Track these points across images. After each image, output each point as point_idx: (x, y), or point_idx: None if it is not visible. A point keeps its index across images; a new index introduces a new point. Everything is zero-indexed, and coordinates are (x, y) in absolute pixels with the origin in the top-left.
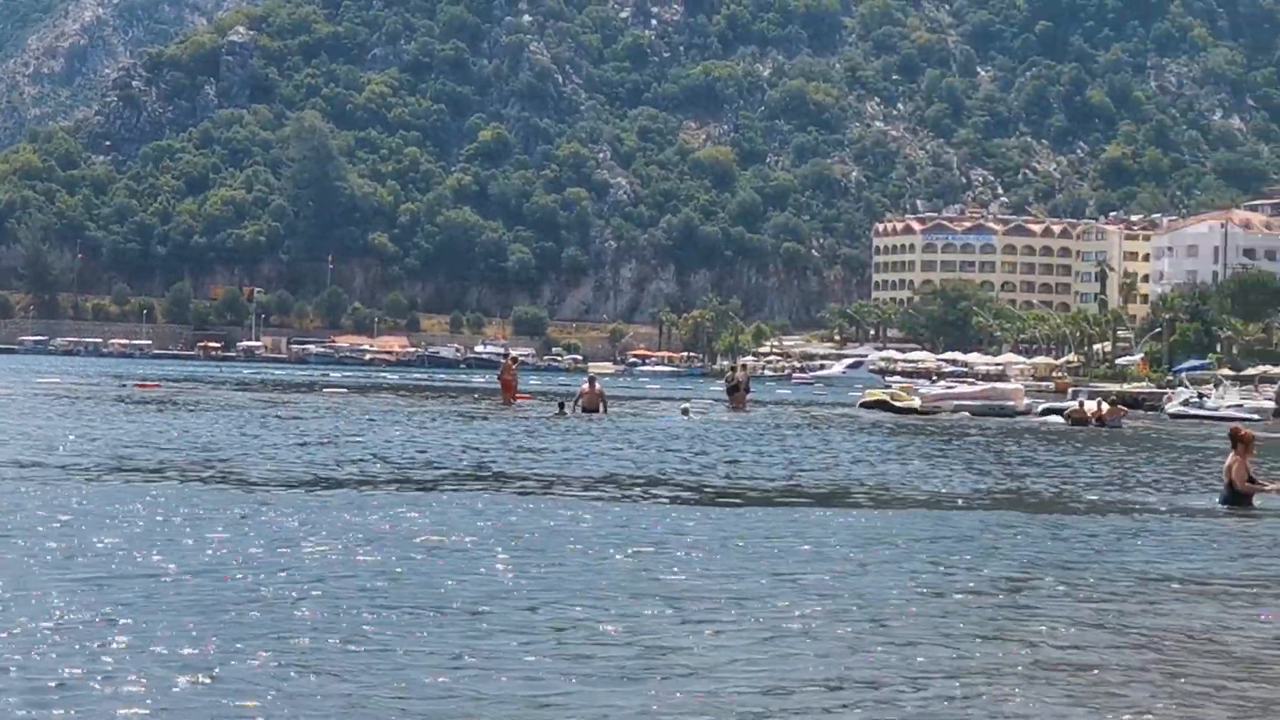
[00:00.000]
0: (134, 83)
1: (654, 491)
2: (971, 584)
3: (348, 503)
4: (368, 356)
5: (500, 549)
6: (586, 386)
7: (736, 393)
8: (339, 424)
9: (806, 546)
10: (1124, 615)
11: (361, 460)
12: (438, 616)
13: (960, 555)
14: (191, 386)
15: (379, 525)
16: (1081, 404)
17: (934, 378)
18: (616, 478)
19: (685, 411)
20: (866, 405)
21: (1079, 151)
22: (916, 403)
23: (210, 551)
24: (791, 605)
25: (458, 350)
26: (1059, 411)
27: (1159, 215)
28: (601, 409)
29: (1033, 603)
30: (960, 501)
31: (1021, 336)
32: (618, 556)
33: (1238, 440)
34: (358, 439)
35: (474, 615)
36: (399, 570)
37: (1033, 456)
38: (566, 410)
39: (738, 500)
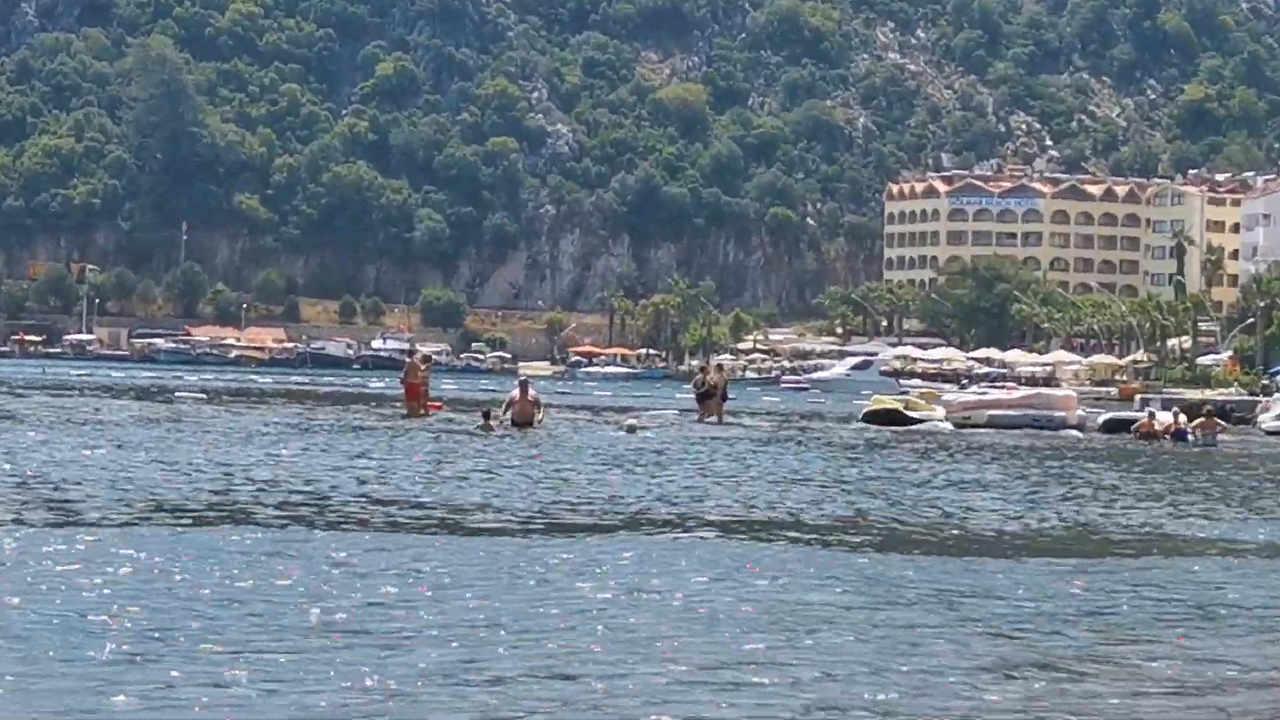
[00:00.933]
0: None
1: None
2: (1051, 656)
3: (192, 547)
4: (233, 354)
5: (400, 614)
6: (516, 393)
7: (709, 399)
8: (192, 443)
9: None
10: None
11: (218, 491)
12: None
13: (1029, 619)
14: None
15: (206, 576)
16: (1152, 415)
17: (963, 382)
18: (554, 513)
19: (632, 429)
20: (873, 417)
21: (1149, 92)
22: (939, 414)
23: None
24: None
25: (349, 347)
26: (1125, 425)
27: (1252, 174)
28: (536, 421)
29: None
30: (1007, 542)
31: (1075, 329)
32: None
33: None
34: (218, 462)
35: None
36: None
37: (1099, 481)
38: (493, 423)
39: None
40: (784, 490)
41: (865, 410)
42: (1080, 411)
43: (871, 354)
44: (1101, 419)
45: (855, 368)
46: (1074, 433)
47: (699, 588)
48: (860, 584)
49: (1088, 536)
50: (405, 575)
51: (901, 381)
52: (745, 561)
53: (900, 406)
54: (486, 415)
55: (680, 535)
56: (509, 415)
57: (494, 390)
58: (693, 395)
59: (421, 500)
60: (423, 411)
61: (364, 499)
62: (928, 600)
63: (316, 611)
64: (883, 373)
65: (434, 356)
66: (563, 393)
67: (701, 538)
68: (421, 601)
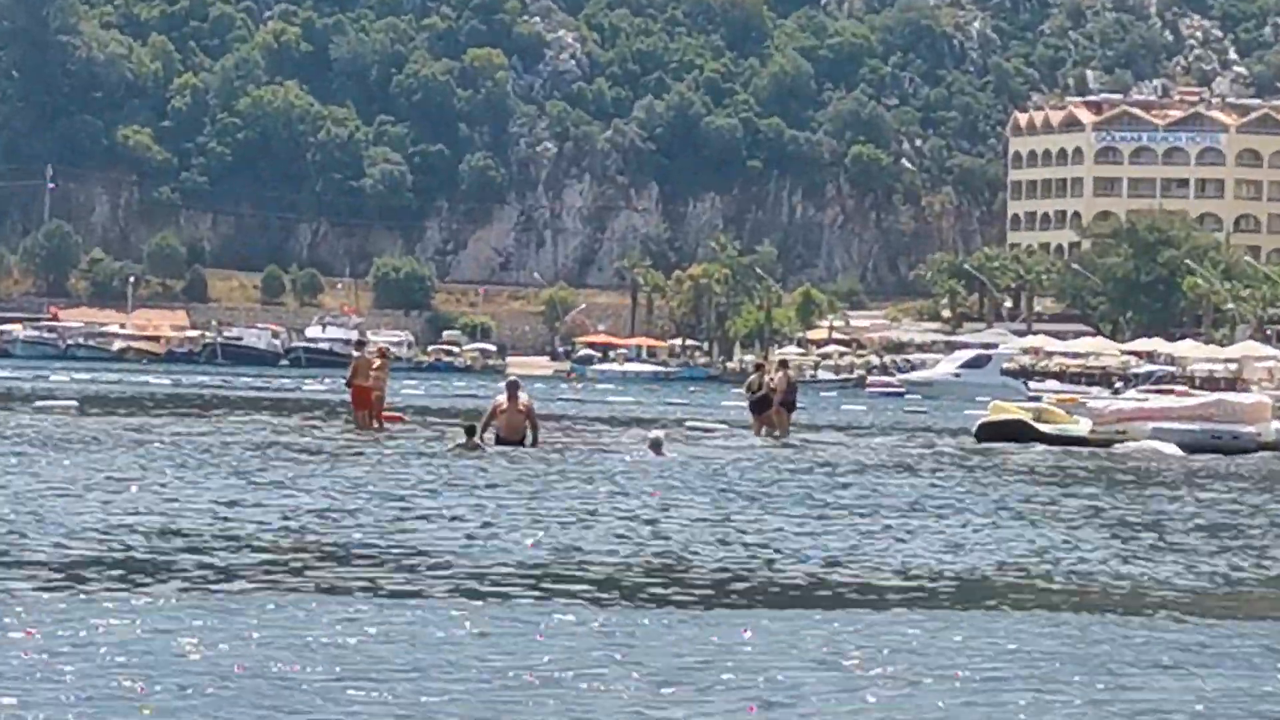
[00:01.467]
0: None
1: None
2: None
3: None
4: (118, 346)
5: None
6: (503, 399)
7: (767, 408)
8: (57, 470)
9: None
10: None
11: (95, 538)
12: None
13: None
14: None
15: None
16: None
17: (1116, 384)
18: (556, 571)
19: (657, 446)
20: (990, 430)
21: None
22: (1082, 427)
23: None
24: None
25: (275, 336)
26: None
27: None
28: (529, 438)
29: None
30: (1203, 608)
31: (1270, 312)
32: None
33: None
34: (94, 500)
35: None
36: None
37: None
38: (480, 439)
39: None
40: (891, 541)
41: (981, 422)
42: (1276, 424)
43: (990, 346)
44: None
45: (968, 365)
46: (1268, 454)
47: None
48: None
49: None
50: (350, 652)
51: (1031, 384)
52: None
53: (1029, 417)
54: (470, 432)
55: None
56: (494, 430)
57: (475, 397)
58: (746, 402)
59: (382, 551)
60: (376, 425)
61: (301, 551)
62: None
63: None
64: (1005, 371)
65: (391, 350)
66: (567, 399)
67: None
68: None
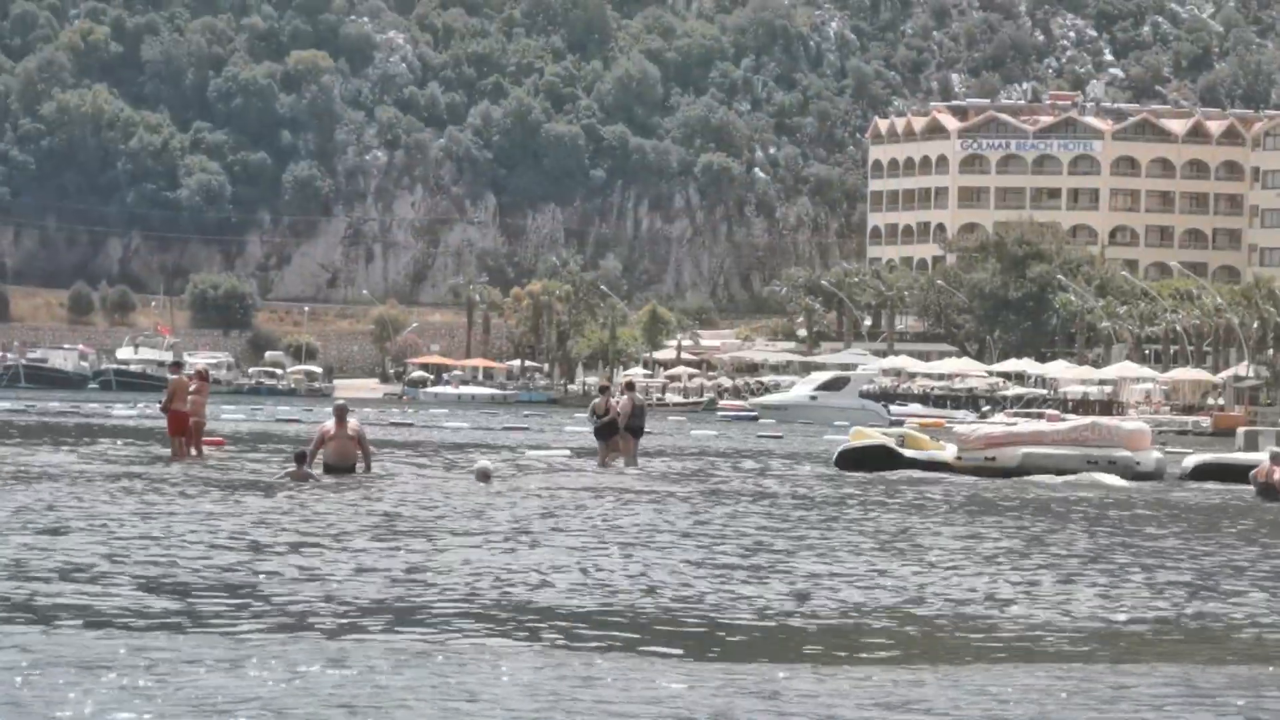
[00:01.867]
0: None
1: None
2: None
3: None
4: None
5: None
6: (331, 425)
7: (613, 434)
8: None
9: None
10: None
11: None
12: None
13: None
14: None
15: None
16: (1277, 459)
17: (983, 406)
18: (414, 609)
19: (485, 476)
20: (850, 458)
21: None
22: (948, 453)
23: None
24: None
25: (83, 358)
26: (1227, 472)
27: None
28: (360, 464)
29: None
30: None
31: (1149, 330)
32: None
33: None
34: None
35: None
36: None
37: (1207, 559)
38: (310, 468)
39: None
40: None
41: (841, 448)
42: (1156, 452)
43: (848, 367)
44: (1189, 462)
45: (824, 387)
46: (1147, 483)
47: None
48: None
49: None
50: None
51: (893, 407)
52: None
53: (892, 443)
54: (300, 459)
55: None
56: (321, 457)
57: (299, 422)
58: (590, 428)
59: (209, 590)
60: (195, 452)
61: (106, 591)
62: None
63: None
64: (864, 393)
65: (209, 371)
66: (399, 424)
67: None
68: None
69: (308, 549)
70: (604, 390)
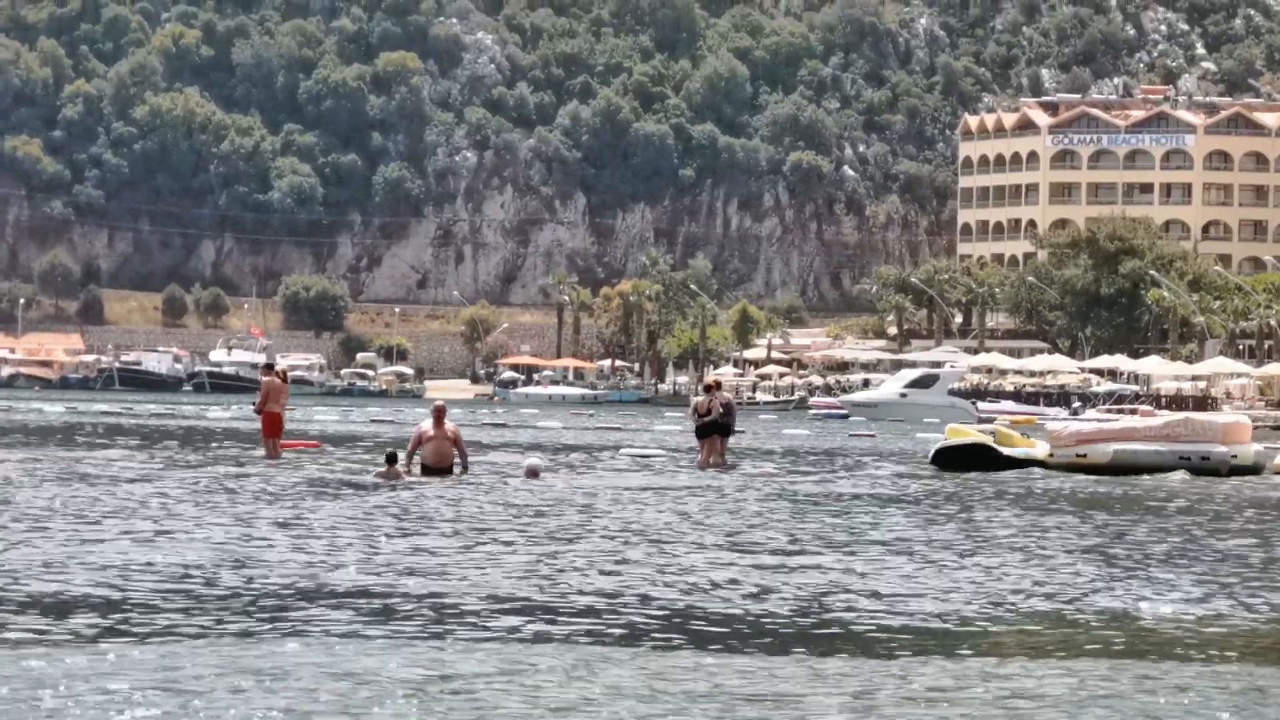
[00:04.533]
0: None
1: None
2: None
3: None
4: (7, 372)
5: None
6: (429, 426)
7: (715, 433)
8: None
9: None
10: None
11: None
12: None
13: None
14: None
15: None
16: None
17: (1075, 404)
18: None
19: (534, 473)
20: (947, 456)
21: None
22: (1041, 450)
23: None
24: None
25: (177, 360)
26: None
27: None
28: (457, 466)
29: None
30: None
31: (1242, 325)
32: None
33: None
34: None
35: None
36: None
37: None
38: (401, 468)
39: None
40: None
41: (938, 447)
42: (1256, 446)
43: (937, 364)
44: None
45: (914, 384)
46: (1244, 479)
47: None
48: None
49: None
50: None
51: (982, 404)
52: None
53: (988, 439)
54: (391, 459)
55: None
56: (418, 458)
57: (392, 423)
58: (691, 426)
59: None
60: (277, 451)
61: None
62: None
63: None
64: (953, 391)
65: (301, 372)
66: (489, 424)
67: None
68: None
69: (395, 554)
70: (710, 389)
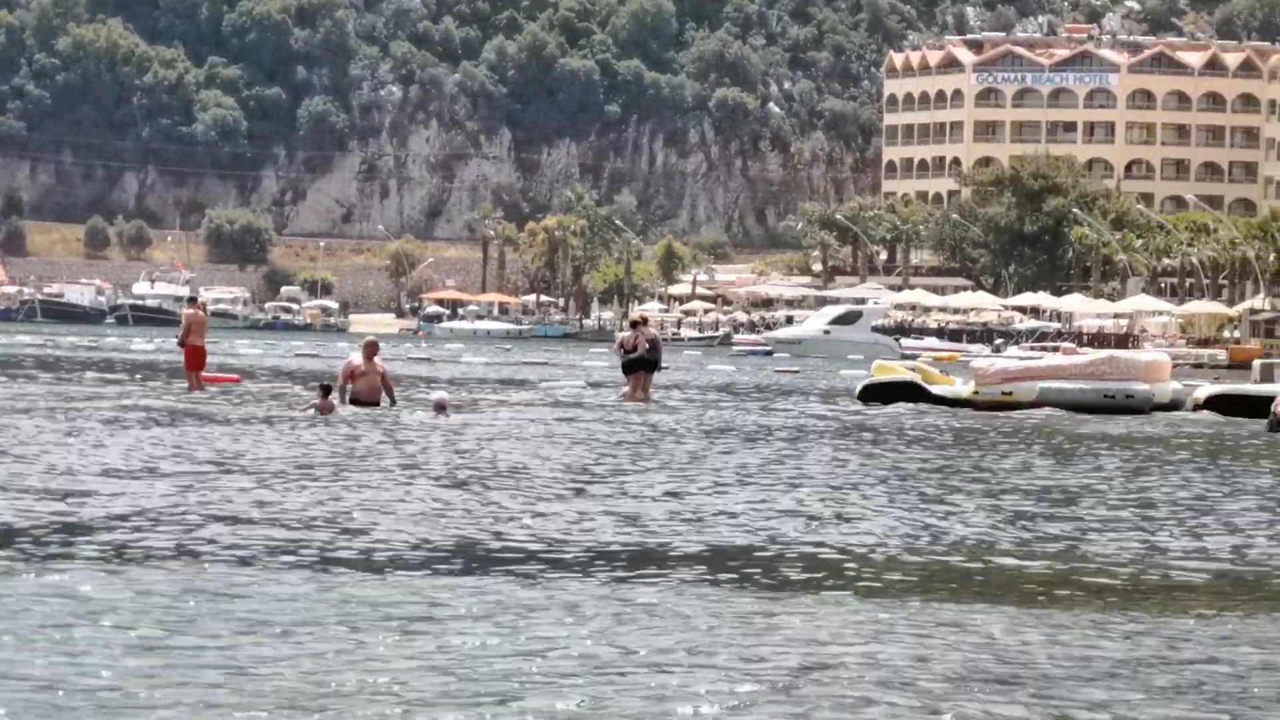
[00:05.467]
0: None
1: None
2: None
3: None
4: None
5: None
6: (359, 359)
7: (639, 369)
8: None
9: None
10: None
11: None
12: None
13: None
14: None
15: None
16: None
17: (997, 342)
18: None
19: (441, 407)
20: (873, 392)
21: None
22: (965, 388)
23: None
24: None
25: (100, 293)
26: (1242, 404)
27: None
28: (386, 400)
29: None
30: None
31: (1164, 263)
32: None
33: None
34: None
35: None
36: None
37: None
38: (335, 400)
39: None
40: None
41: (865, 383)
42: (1175, 384)
43: (861, 301)
44: (1202, 392)
45: (837, 321)
46: (1166, 414)
47: None
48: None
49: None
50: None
51: (906, 341)
52: None
53: (916, 375)
54: (325, 391)
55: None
56: (349, 392)
57: (317, 358)
58: (616, 362)
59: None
60: (199, 384)
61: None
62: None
63: None
64: (876, 328)
65: (225, 305)
66: (415, 359)
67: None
68: None
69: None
70: (636, 325)
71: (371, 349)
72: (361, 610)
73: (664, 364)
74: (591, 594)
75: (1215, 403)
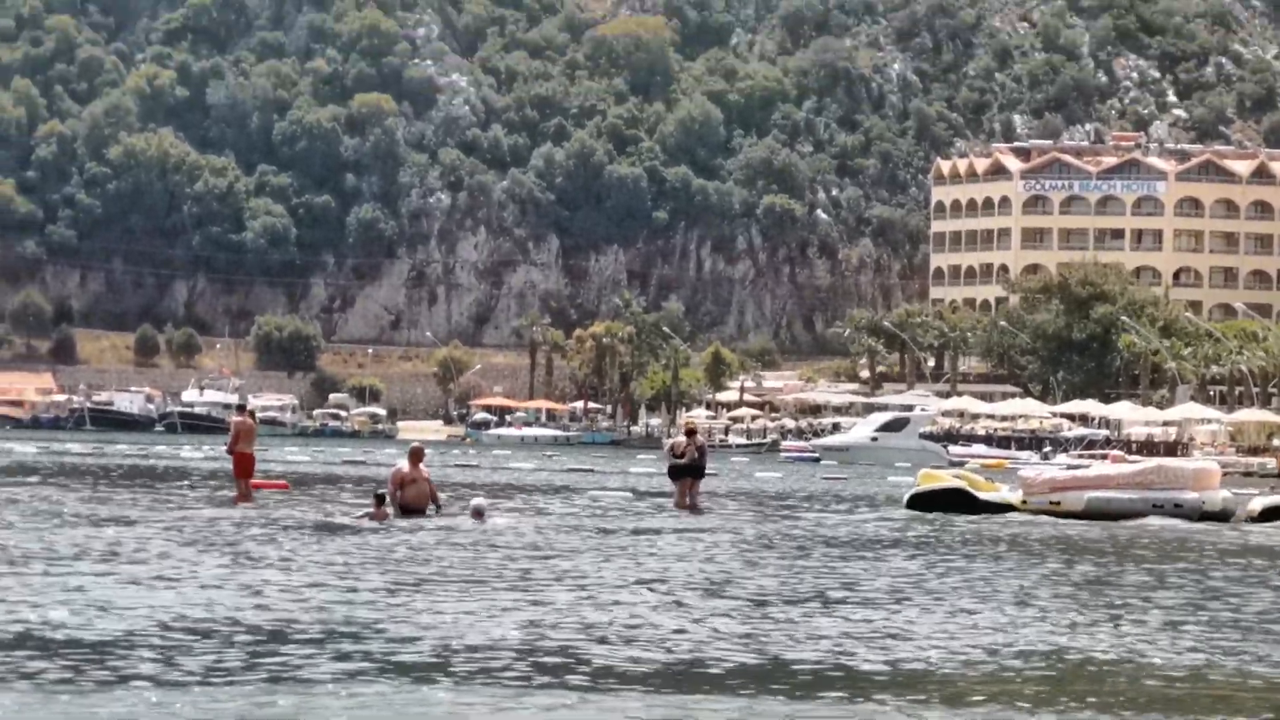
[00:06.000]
0: None
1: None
2: None
3: None
4: None
5: None
6: (405, 466)
7: (687, 475)
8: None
9: None
10: None
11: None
12: None
13: None
14: None
15: None
16: None
17: (1046, 449)
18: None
19: (479, 513)
20: (921, 501)
21: None
22: (1013, 496)
23: None
24: None
25: (150, 400)
26: None
27: None
28: (432, 507)
29: None
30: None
31: (1213, 371)
32: None
33: None
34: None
35: None
36: None
37: None
38: (388, 509)
39: None
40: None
41: (913, 491)
42: (1225, 492)
43: (909, 408)
44: (1258, 504)
45: (885, 428)
46: (1217, 525)
47: None
48: None
49: None
50: None
51: (954, 448)
52: None
53: (964, 483)
54: (380, 500)
55: None
56: (398, 499)
57: (365, 466)
58: (664, 467)
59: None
60: (247, 490)
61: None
62: None
63: None
64: (924, 435)
65: (274, 412)
66: (463, 465)
67: None
68: None
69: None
70: (691, 434)
71: (417, 455)
72: None
73: (710, 470)
74: None
75: (1271, 514)
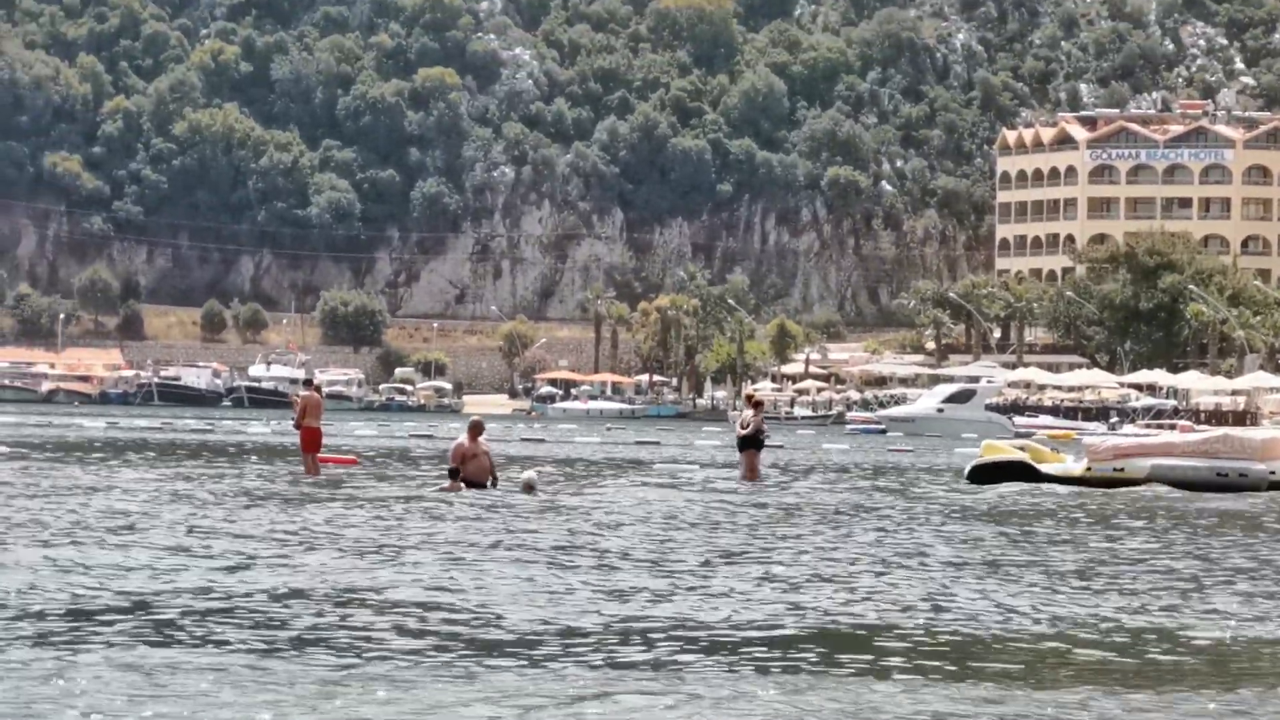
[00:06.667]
0: None
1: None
2: None
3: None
4: (46, 387)
5: None
6: (466, 440)
7: (750, 447)
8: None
9: None
10: None
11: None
12: None
13: None
14: None
15: None
16: None
17: (1113, 419)
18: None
19: (529, 487)
20: (983, 473)
21: None
22: (1076, 466)
23: None
24: None
25: (216, 375)
26: None
27: None
28: (490, 481)
29: None
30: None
31: None
32: None
33: None
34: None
35: None
36: None
37: None
38: (461, 483)
39: None
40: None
41: (974, 463)
42: None
43: (974, 379)
44: None
45: (951, 399)
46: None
47: None
48: None
49: None
50: None
51: (1020, 419)
52: None
53: (1026, 456)
54: (454, 474)
55: None
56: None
57: (430, 440)
58: (734, 439)
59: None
60: (315, 467)
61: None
62: None
63: None
64: (989, 406)
65: (340, 387)
66: (528, 439)
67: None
68: None
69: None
70: (757, 406)
71: (476, 429)
72: None
73: (770, 442)
74: None
75: None
